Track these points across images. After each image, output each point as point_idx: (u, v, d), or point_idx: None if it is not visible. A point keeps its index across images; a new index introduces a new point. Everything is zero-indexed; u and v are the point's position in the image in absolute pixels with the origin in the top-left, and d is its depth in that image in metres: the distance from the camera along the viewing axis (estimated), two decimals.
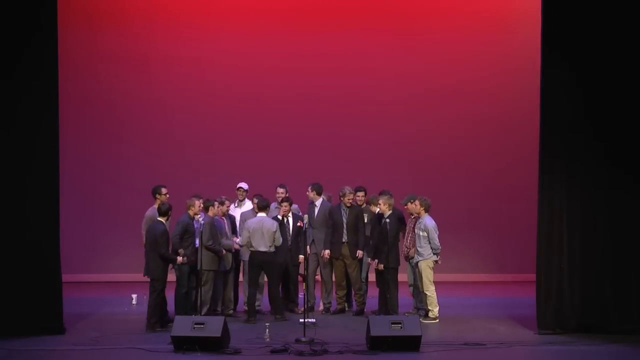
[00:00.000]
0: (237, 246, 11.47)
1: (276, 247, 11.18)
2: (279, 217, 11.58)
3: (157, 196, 11.30)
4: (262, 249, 11.04)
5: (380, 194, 11.56)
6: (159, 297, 10.69)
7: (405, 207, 11.50)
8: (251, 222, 11.14)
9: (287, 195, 11.90)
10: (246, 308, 11.39)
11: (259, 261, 11.10)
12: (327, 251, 11.78)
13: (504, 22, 15.68)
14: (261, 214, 11.18)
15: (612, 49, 10.34)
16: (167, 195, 11.30)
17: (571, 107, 10.37)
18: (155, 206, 11.14)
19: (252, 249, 11.10)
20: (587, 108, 10.37)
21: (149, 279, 10.89)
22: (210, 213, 11.16)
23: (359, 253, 11.58)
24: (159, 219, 10.76)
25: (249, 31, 15.62)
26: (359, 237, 11.61)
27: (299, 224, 11.57)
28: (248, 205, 12.03)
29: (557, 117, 10.38)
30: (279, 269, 11.37)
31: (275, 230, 11.08)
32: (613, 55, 10.34)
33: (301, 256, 11.72)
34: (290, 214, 11.71)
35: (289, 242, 11.65)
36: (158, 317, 10.62)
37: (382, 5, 15.77)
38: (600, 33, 10.34)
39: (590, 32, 10.34)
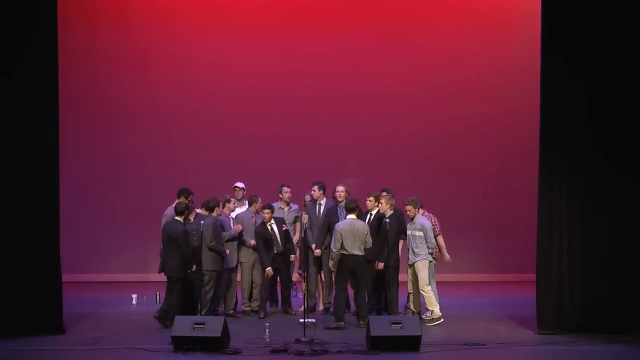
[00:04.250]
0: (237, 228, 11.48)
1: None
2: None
3: (182, 198, 11.20)
4: (355, 252, 10.75)
5: (382, 192, 11.55)
6: (178, 296, 10.70)
7: (408, 207, 11.47)
8: (342, 225, 10.77)
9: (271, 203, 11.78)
10: (243, 310, 11.42)
11: (351, 265, 10.79)
12: (318, 250, 11.72)
13: (504, 22, 15.69)
14: (351, 216, 10.86)
15: (612, 49, 10.33)
16: (190, 201, 11.25)
17: (571, 107, 10.37)
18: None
19: (344, 252, 10.73)
20: (587, 108, 10.36)
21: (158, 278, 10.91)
22: (214, 214, 11.17)
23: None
24: (177, 218, 10.78)
25: (249, 31, 15.62)
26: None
27: (284, 227, 11.54)
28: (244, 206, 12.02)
29: (557, 117, 10.38)
30: (369, 273, 11.14)
31: (367, 233, 10.83)
32: (613, 55, 10.33)
33: (292, 255, 11.72)
34: (272, 220, 11.56)
35: (280, 248, 11.55)
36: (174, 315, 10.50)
37: (382, 5, 15.77)
38: (600, 33, 10.33)
39: (590, 32, 10.33)
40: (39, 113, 10.28)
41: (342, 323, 10.65)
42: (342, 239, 10.70)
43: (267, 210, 11.50)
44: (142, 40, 15.72)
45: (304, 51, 15.69)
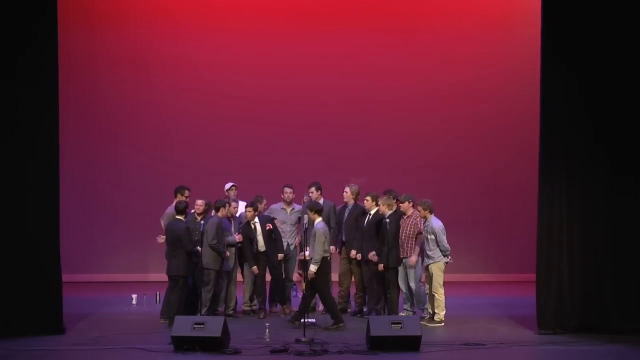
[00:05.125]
0: (239, 238, 11.46)
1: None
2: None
3: (179, 196, 11.23)
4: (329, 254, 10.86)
5: (385, 193, 11.55)
6: (181, 294, 10.73)
7: (400, 204, 11.42)
8: (324, 228, 10.75)
9: (259, 197, 11.78)
10: (244, 310, 11.45)
11: (328, 266, 10.80)
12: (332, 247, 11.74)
13: (504, 22, 15.69)
14: (319, 219, 10.83)
15: (612, 49, 10.33)
16: (188, 198, 11.27)
17: (571, 107, 10.37)
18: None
19: (325, 255, 10.72)
20: (587, 108, 10.37)
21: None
22: (219, 214, 11.16)
23: (352, 253, 11.55)
24: (178, 217, 10.78)
25: (249, 32, 15.63)
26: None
27: (267, 227, 11.51)
28: (241, 206, 12.00)
29: (557, 117, 10.38)
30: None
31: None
32: (613, 56, 10.33)
33: (280, 255, 11.70)
34: (256, 218, 11.54)
35: (263, 247, 11.51)
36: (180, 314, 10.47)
37: (383, 5, 15.77)
38: (600, 33, 10.33)
39: (590, 32, 10.33)
40: (39, 113, 10.28)
41: (342, 324, 10.60)
42: (325, 241, 10.67)
43: (249, 209, 11.47)
44: (142, 41, 15.71)
45: (304, 52, 15.69)
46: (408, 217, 11.31)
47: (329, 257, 10.87)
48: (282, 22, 15.70)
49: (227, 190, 12.11)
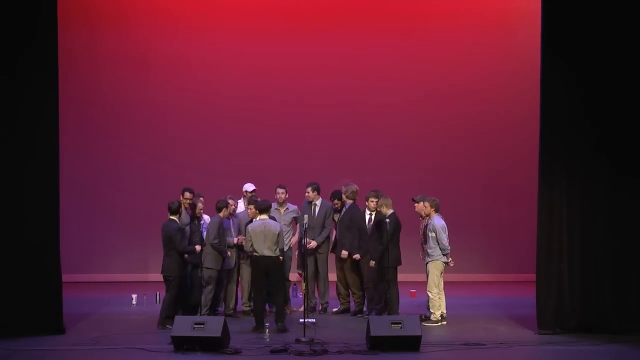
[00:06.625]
0: (237, 240, 11.40)
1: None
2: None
3: (180, 199, 11.14)
4: (267, 253, 10.55)
5: (372, 192, 11.54)
6: (173, 294, 10.68)
7: (416, 204, 11.41)
8: (253, 226, 10.66)
9: (254, 196, 11.73)
10: (243, 310, 11.47)
11: (263, 266, 10.61)
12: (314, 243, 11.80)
13: (504, 22, 15.68)
14: (262, 217, 10.72)
15: (612, 49, 10.33)
16: (189, 201, 11.18)
17: (571, 107, 10.37)
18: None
19: (256, 253, 10.58)
20: (587, 108, 10.37)
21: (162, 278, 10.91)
22: (221, 214, 11.15)
23: (344, 253, 11.56)
24: (171, 217, 10.76)
25: (249, 32, 15.63)
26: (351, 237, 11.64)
27: None
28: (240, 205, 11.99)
29: (557, 117, 10.39)
30: (283, 275, 11.18)
31: (279, 233, 10.69)
32: (613, 55, 10.33)
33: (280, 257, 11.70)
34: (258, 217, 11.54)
35: None
36: (171, 314, 10.43)
37: (383, 6, 15.77)
38: (600, 33, 10.34)
39: (590, 32, 10.33)
40: (39, 113, 10.28)
41: (260, 329, 10.23)
42: (252, 240, 10.56)
43: (250, 206, 11.39)
44: (142, 40, 15.71)
45: (304, 52, 15.68)
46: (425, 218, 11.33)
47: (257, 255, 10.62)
48: (282, 22, 15.70)
49: (250, 192, 11.96)
